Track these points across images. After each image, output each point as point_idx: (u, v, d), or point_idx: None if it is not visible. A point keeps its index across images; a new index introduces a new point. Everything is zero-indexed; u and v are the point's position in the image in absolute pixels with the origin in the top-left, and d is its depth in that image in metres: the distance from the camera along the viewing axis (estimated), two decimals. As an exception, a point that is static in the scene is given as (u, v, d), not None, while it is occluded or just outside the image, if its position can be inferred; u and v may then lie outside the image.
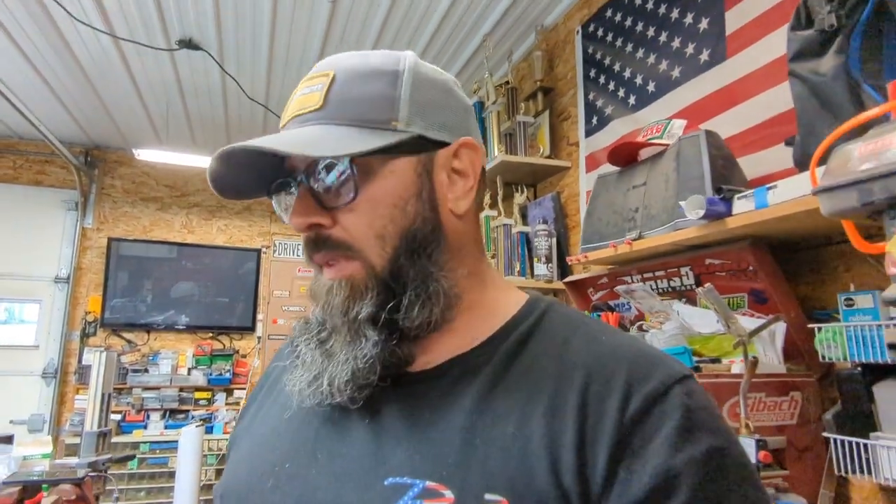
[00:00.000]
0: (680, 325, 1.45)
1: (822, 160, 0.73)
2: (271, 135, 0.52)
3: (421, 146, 0.53)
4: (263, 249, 5.02)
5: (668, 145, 1.54)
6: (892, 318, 1.02)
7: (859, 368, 1.08)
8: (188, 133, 4.32)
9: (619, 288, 1.56)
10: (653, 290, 1.65)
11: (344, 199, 0.51)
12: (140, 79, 3.44)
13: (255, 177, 0.56)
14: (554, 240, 2.29)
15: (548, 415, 0.46)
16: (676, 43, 1.84)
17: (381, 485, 0.46)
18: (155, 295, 4.68)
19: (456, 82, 0.60)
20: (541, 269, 2.24)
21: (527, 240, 2.41)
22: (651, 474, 0.42)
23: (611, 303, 1.89)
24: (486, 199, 2.55)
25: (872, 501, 1.18)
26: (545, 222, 2.31)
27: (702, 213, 1.23)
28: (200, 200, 4.93)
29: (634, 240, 1.53)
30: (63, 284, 4.48)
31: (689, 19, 1.80)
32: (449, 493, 0.44)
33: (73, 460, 2.10)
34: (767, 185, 1.14)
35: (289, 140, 0.50)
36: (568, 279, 2.03)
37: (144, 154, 3.74)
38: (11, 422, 4.20)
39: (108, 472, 1.93)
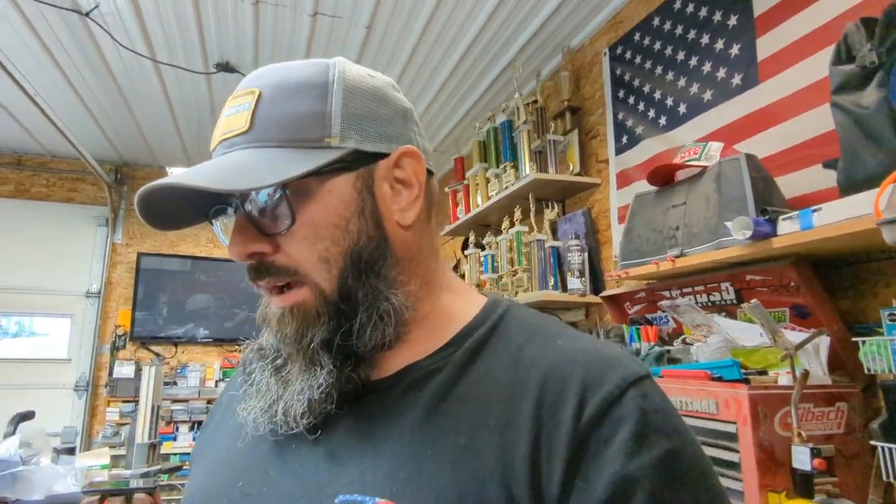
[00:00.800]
0: (724, 338, 1.52)
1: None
2: (198, 165, 0.50)
3: (358, 161, 0.51)
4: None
5: (706, 167, 1.62)
6: (934, 333, 1.09)
7: (903, 380, 1.15)
8: (217, 151, 4.43)
9: (664, 303, 1.63)
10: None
11: (281, 225, 0.50)
12: (175, 99, 3.56)
13: (194, 203, 0.54)
14: (586, 254, 2.37)
15: (501, 425, 0.46)
16: (707, 67, 1.93)
17: (332, 503, 0.46)
18: (170, 308, 4.76)
19: (393, 84, 0.58)
20: (574, 283, 2.32)
21: (558, 254, 2.49)
22: (608, 483, 0.42)
23: (648, 316, 1.97)
24: (517, 215, 2.63)
25: (917, 506, 1.25)
26: (577, 237, 2.39)
27: (749, 233, 1.31)
28: (226, 215, 5.04)
29: (677, 257, 1.60)
30: (94, 299, 4.59)
31: (719, 45, 1.88)
32: None
33: (127, 472, 2.18)
34: (812, 208, 1.21)
35: (213, 171, 0.48)
36: (604, 294, 2.10)
37: (177, 172, 3.85)
38: (46, 434, 4.30)
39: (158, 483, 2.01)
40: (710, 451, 1.32)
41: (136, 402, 4.34)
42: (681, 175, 1.75)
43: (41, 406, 4.49)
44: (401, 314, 0.52)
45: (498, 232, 2.83)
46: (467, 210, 3.14)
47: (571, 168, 2.55)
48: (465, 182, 3.19)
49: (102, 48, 2.94)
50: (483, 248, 2.96)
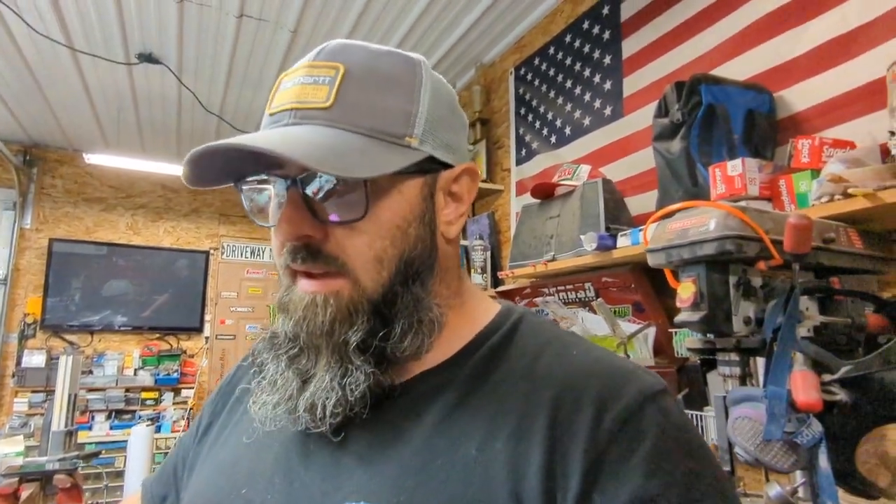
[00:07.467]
0: (582, 329, 1.84)
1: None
2: (271, 129, 0.48)
3: (429, 167, 0.51)
4: (211, 251, 5.13)
5: (576, 186, 1.93)
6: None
7: (698, 362, 1.50)
8: (138, 138, 4.38)
9: (538, 299, 1.93)
10: (563, 300, 2.04)
11: (348, 216, 0.47)
12: (93, 86, 3.52)
13: (236, 167, 0.50)
14: (489, 253, 2.66)
15: (514, 437, 0.45)
16: (587, 97, 2.25)
17: None
18: (84, 294, 4.61)
19: (456, 96, 0.57)
20: (477, 279, 2.60)
21: (466, 252, 2.77)
22: (628, 500, 0.40)
23: (532, 310, 2.28)
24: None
25: (712, 459, 1.61)
26: (481, 238, 2.67)
27: (594, 245, 1.62)
28: (146, 202, 4.98)
29: (550, 261, 1.91)
30: (0, 286, 4.43)
31: (597, 79, 2.20)
32: None
33: (43, 458, 2.24)
34: (639, 228, 1.53)
35: (304, 146, 0.44)
36: (499, 289, 2.40)
37: (94, 158, 3.80)
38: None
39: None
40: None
41: (47, 391, 4.26)
42: (560, 191, 2.06)
43: (-59, 396, 4.32)
44: (440, 325, 0.51)
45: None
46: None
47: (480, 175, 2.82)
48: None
49: (13, 31, 2.88)
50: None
